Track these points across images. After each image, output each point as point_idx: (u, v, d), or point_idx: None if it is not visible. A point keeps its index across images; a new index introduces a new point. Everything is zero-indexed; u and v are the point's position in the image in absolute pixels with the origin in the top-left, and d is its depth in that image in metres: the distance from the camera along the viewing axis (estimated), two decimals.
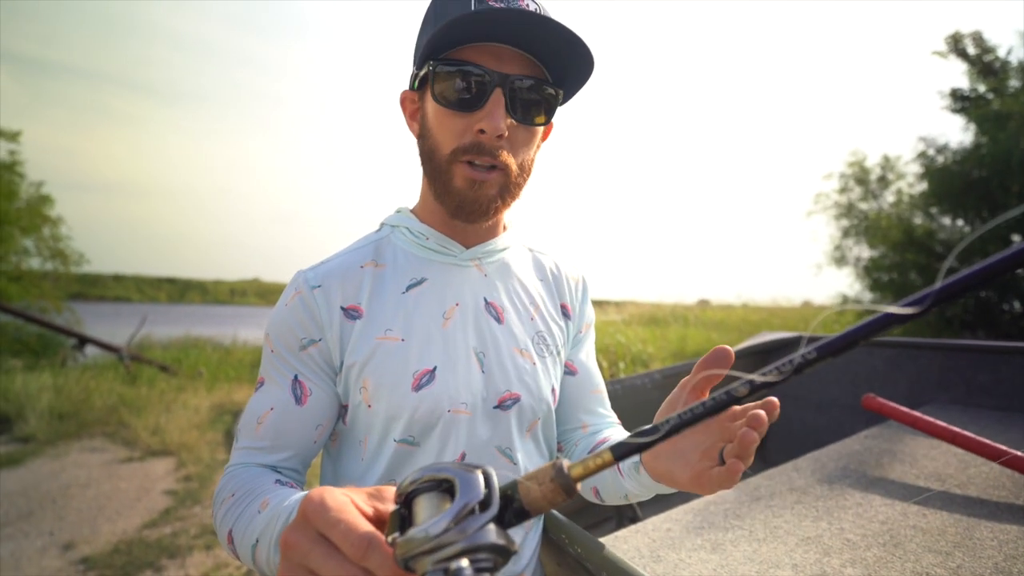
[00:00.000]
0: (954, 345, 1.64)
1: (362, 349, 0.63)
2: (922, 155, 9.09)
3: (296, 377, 0.63)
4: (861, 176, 10.69)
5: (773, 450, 2.08)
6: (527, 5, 0.58)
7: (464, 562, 0.26)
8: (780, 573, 0.73)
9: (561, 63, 0.61)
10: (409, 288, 0.66)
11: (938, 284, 0.23)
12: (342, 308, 0.64)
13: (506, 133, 0.59)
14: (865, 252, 10.24)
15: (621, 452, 0.29)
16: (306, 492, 0.51)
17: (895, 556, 0.76)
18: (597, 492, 0.73)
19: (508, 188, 0.63)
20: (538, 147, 0.68)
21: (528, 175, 0.66)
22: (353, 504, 0.34)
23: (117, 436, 4.59)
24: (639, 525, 0.91)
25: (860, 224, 10.46)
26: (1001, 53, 8.37)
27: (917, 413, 1.16)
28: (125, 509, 3.16)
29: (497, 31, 0.57)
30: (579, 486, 0.30)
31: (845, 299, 10.65)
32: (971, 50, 8.54)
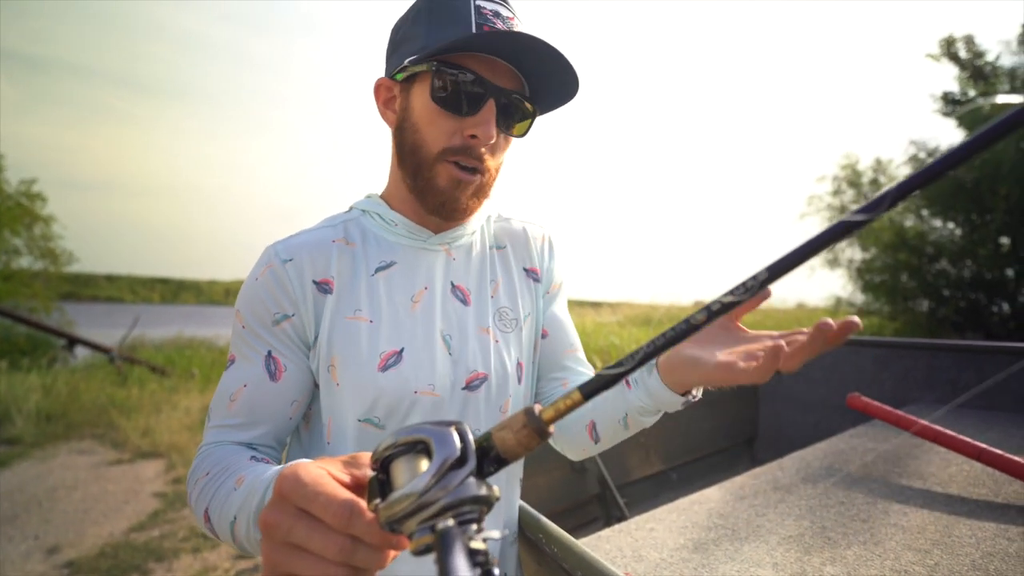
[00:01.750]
0: (940, 345, 1.65)
1: (333, 327, 0.63)
2: (913, 158, 9.18)
3: (270, 353, 0.63)
4: (853, 179, 10.75)
5: (761, 449, 2.09)
6: (515, 24, 0.62)
7: (450, 521, 0.27)
8: (760, 572, 0.73)
9: (546, 83, 0.64)
10: (378, 271, 0.67)
11: (890, 188, 0.25)
12: (314, 282, 0.64)
13: (495, 140, 0.63)
14: (857, 254, 10.30)
15: (589, 389, 0.30)
16: (281, 468, 0.50)
17: (875, 554, 0.76)
18: (593, 427, 0.69)
19: (483, 189, 0.67)
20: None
21: (496, 178, 0.70)
22: (329, 474, 0.34)
23: (106, 438, 4.54)
24: (623, 525, 0.91)
25: None
26: (991, 58, 8.46)
27: (900, 412, 1.17)
28: (112, 512, 3.12)
29: (499, 48, 0.60)
30: (552, 428, 0.31)
31: (838, 301, 10.72)
32: (963, 54, 8.63)
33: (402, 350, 0.64)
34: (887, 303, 9.77)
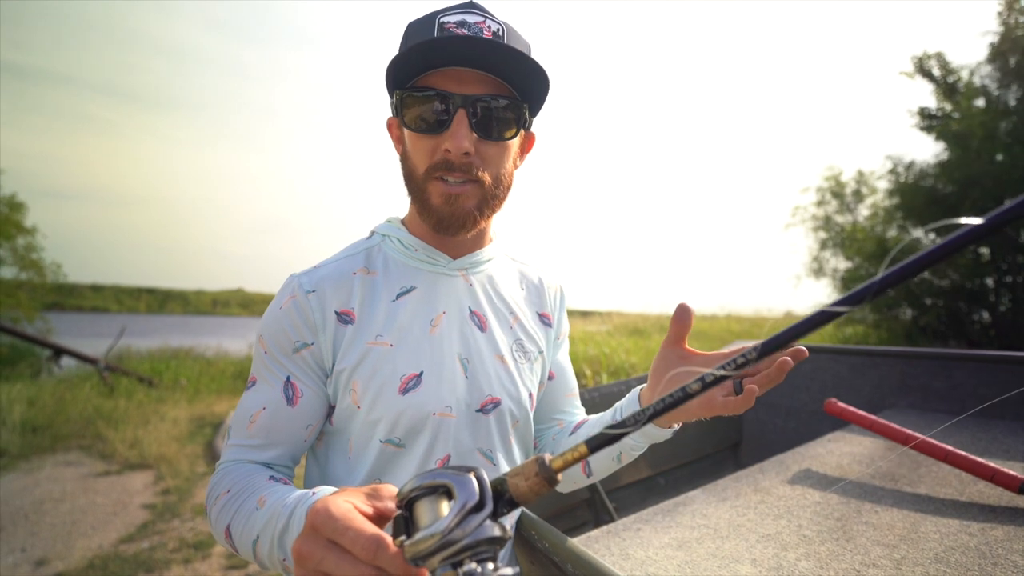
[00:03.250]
0: (913, 353, 1.72)
1: (353, 353, 0.66)
2: (892, 171, 9.41)
3: (288, 379, 0.65)
4: (837, 190, 11.01)
5: (746, 454, 2.15)
6: (487, 26, 0.62)
7: (473, 564, 0.30)
8: (740, 567, 0.78)
9: (521, 79, 0.65)
10: (399, 296, 0.70)
11: (872, 281, 0.26)
12: (336, 312, 0.67)
13: (472, 150, 0.63)
14: (842, 264, 10.51)
15: (595, 444, 0.33)
16: (305, 492, 0.53)
17: (846, 549, 0.81)
18: (587, 463, 0.79)
19: (486, 200, 0.67)
20: (517, 159, 0.72)
21: (507, 187, 0.70)
22: (355, 508, 0.37)
23: (93, 449, 4.48)
24: (611, 526, 0.95)
25: (836, 236, 10.75)
26: (965, 75, 8.72)
27: (873, 417, 1.23)
28: (101, 524, 3.09)
29: (452, 56, 0.61)
30: (560, 476, 0.34)
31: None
32: (936, 71, 8.89)
33: (421, 373, 0.67)
34: (871, 311, 9.96)
